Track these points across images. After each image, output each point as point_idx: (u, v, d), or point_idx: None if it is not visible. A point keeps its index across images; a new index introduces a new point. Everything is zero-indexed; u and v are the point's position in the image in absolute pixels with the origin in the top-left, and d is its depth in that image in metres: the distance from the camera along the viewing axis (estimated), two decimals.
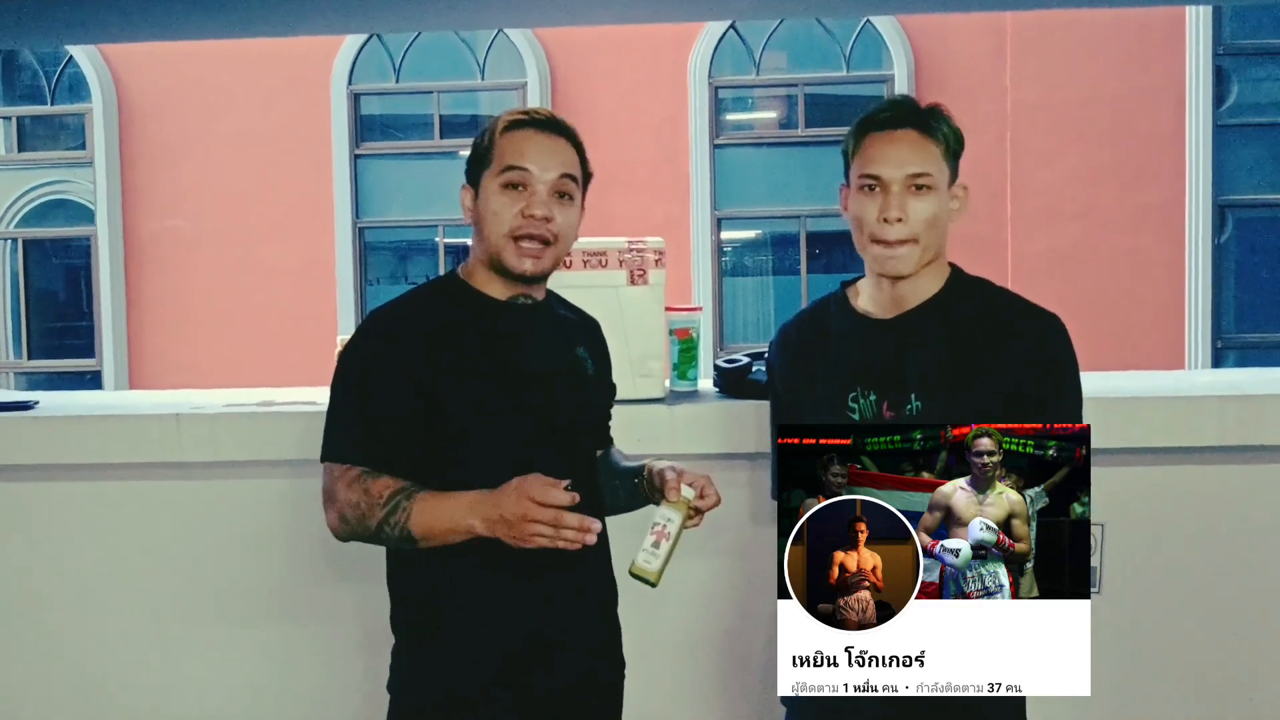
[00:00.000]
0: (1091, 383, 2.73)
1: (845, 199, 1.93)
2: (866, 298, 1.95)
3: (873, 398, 1.88)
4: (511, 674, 1.81)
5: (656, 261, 2.51)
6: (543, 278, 1.88)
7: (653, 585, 1.74)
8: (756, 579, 2.45)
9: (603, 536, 1.80)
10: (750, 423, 2.43)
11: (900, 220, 1.84)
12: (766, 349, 2.64)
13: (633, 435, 2.44)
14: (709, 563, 2.53)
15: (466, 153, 1.91)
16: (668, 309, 2.55)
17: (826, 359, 1.95)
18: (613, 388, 2.06)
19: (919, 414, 1.84)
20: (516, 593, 1.81)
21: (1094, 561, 2.45)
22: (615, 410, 2.09)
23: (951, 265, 1.94)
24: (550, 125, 1.85)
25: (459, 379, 1.79)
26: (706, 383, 2.68)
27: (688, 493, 1.76)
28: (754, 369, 2.55)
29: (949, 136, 1.87)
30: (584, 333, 2.00)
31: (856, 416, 1.89)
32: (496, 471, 1.72)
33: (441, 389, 1.78)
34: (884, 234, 1.85)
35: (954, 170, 1.89)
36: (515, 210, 1.80)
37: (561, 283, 2.47)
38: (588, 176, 1.90)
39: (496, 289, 1.86)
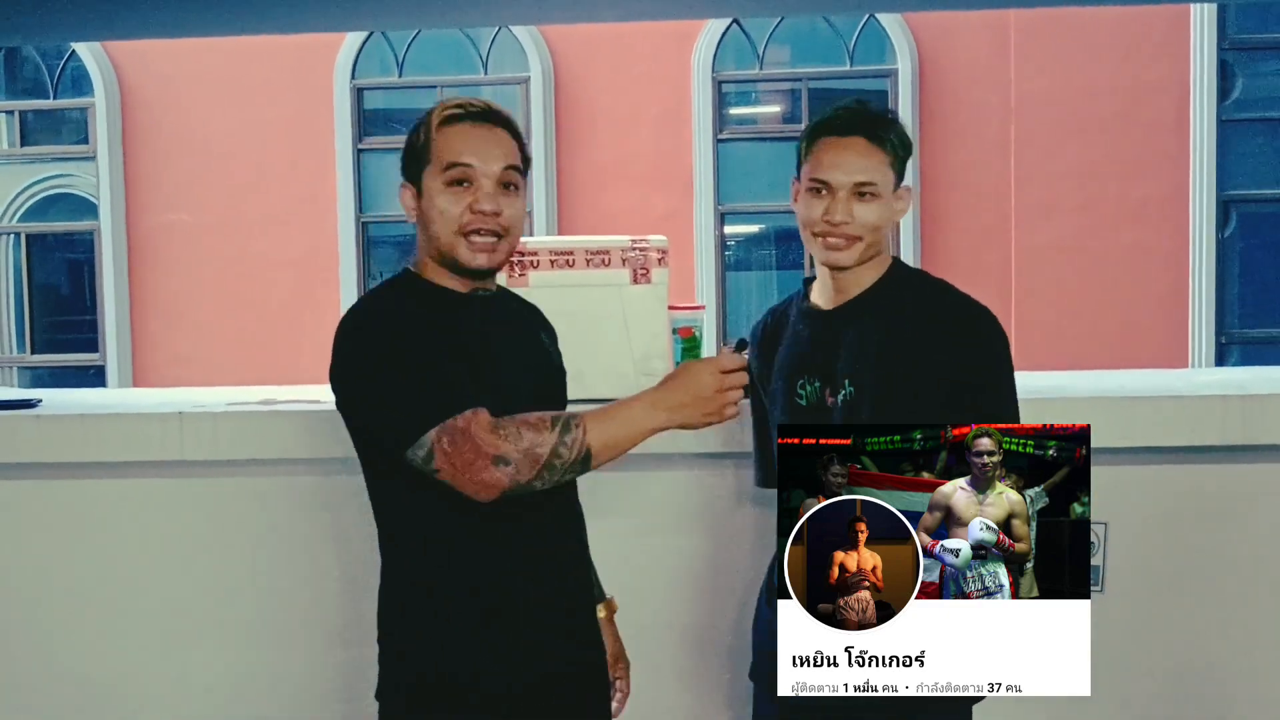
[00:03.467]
0: (1094, 382, 2.71)
1: (796, 193, 2.02)
2: (817, 290, 2.06)
3: (816, 384, 1.98)
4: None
5: (659, 260, 2.51)
6: (496, 271, 1.85)
7: None
8: (751, 576, 2.45)
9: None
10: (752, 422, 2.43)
11: (846, 223, 1.92)
12: None
13: None
14: (706, 560, 2.53)
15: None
16: (671, 308, 2.55)
17: (782, 348, 2.07)
18: (565, 372, 2.05)
19: (851, 398, 1.93)
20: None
21: (1097, 561, 2.46)
22: None
23: (894, 258, 2.02)
24: (487, 116, 1.81)
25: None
26: None
27: None
28: None
29: (896, 145, 1.96)
30: (538, 320, 2.01)
31: (804, 402, 1.99)
32: None
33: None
34: (829, 230, 1.94)
35: (899, 175, 1.98)
36: (463, 206, 1.77)
37: (564, 281, 2.48)
38: (528, 162, 1.87)
39: (455, 283, 1.82)
